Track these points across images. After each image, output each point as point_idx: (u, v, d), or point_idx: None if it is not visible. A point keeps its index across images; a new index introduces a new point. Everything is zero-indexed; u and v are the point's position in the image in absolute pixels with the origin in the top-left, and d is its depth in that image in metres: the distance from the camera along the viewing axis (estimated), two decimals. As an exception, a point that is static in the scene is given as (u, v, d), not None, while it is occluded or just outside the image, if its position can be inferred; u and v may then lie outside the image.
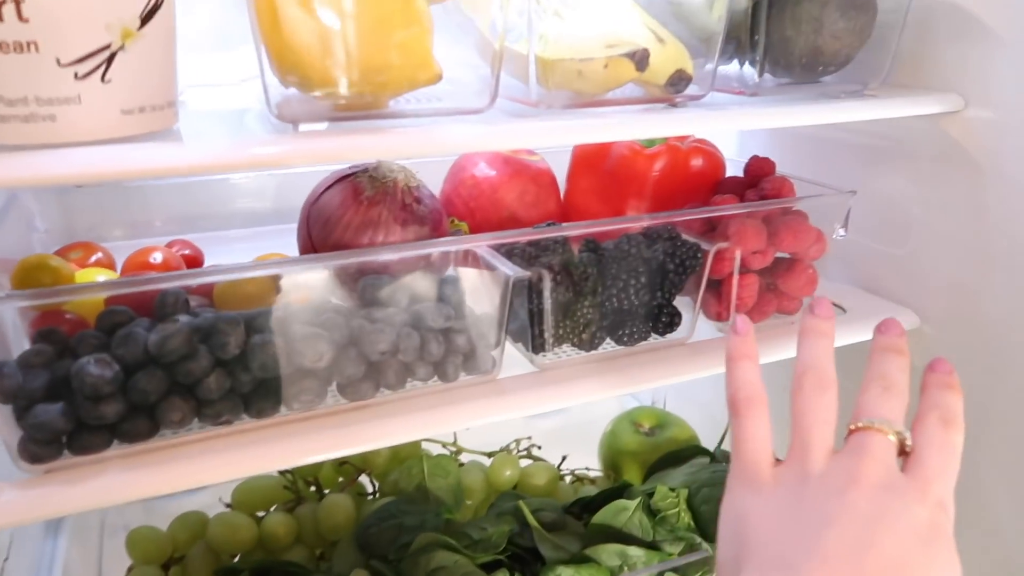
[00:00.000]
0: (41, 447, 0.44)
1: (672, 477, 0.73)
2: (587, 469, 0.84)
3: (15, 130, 0.40)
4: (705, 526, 0.66)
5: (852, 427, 0.39)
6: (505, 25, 0.49)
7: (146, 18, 0.42)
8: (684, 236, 0.58)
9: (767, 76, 0.62)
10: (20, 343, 0.47)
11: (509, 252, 0.55)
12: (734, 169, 0.72)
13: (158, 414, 0.46)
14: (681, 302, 0.61)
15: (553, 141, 0.52)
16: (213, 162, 0.43)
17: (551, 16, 0.53)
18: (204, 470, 0.47)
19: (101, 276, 0.57)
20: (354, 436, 0.49)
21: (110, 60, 0.41)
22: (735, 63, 0.62)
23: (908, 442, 0.38)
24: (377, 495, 0.76)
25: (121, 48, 0.41)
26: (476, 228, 0.69)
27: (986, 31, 0.58)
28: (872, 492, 0.36)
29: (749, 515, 0.38)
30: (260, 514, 0.72)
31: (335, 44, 0.45)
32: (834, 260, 0.64)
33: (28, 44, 0.39)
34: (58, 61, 0.40)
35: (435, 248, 0.55)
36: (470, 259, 0.57)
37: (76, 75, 0.40)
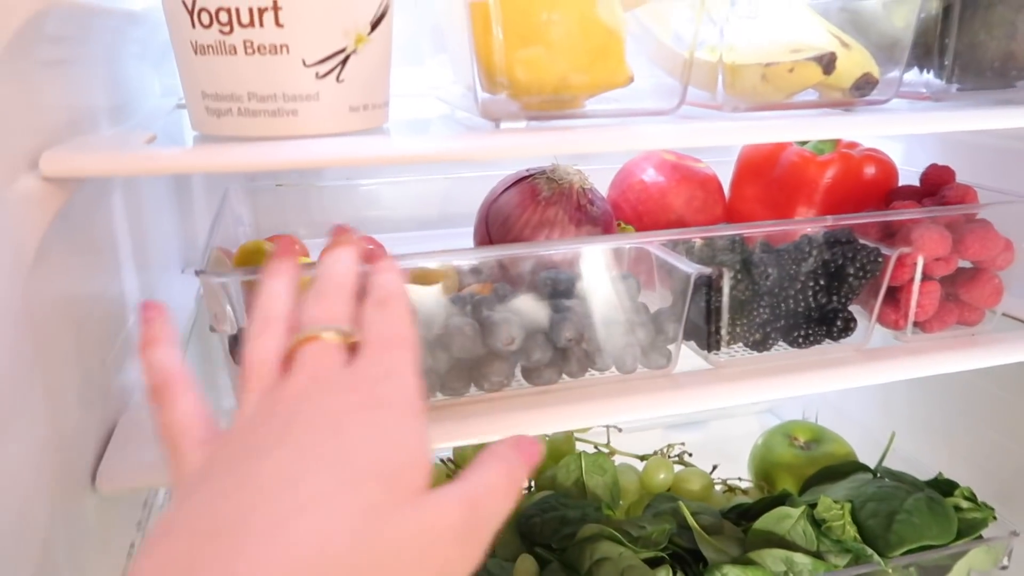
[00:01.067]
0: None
1: (833, 491, 0.71)
2: (739, 479, 0.84)
3: (263, 123, 0.45)
4: (873, 540, 0.64)
5: (287, 351, 0.33)
6: (696, 34, 0.50)
7: (375, 24, 0.47)
8: (863, 241, 0.58)
9: (952, 83, 0.61)
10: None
11: (685, 252, 0.56)
12: (907, 179, 0.70)
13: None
14: (855, 310, 0.60)
15: (734, 140, 0.53)
16: (429, 153, 0.47)
17: (738, 22, 0.54)
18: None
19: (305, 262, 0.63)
20: (539, 418, 0.51)
21: (344, 61, 0.46)
22: (915, 70, 0.61)
23: (355, 338, 0.33)
24: (534, 489, 0.78)
25: (354, 51, 0.46)
26: (643, 232, 0.71)
27: None
28: (298, 391, 0.30)
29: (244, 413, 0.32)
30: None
31: (540, 52, 0.48)
32: (1021, 272, 0.61)
33: (281, 47, 0.44)
34: (304, 62, 0.44)
35: (615, 243, 0.57)
36: (645, 257, 0.59)
37: (317, 75, 0.45)
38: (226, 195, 0.68)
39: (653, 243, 0.57)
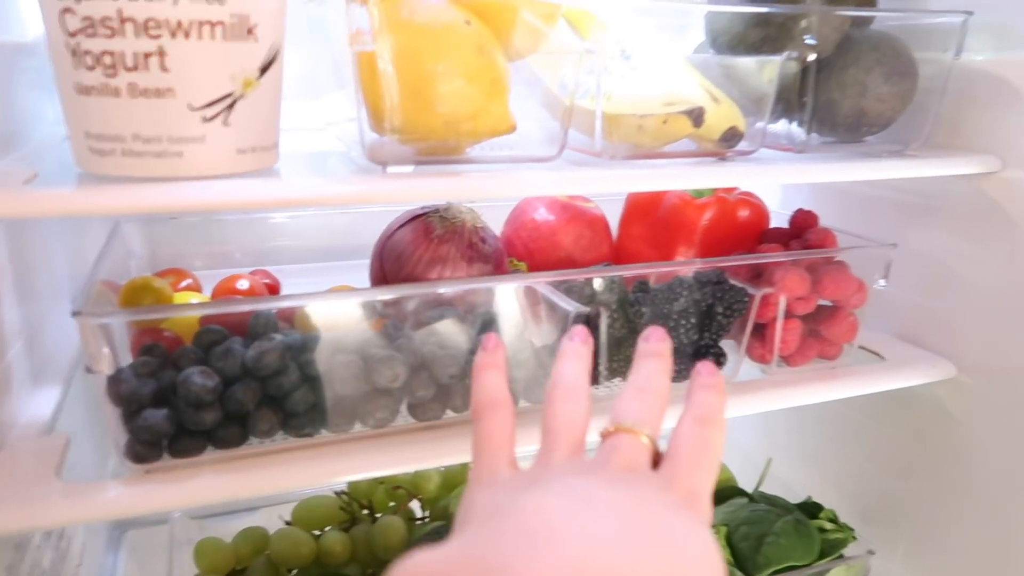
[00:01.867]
0: (146, 448, 0.49)
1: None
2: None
3: (147, 164, 0.46)
4: (744, 561, 0.68)
5: (602, 432, 0.36)
6: (576, 83, 0.54)
7: (264, 68, 0.48)
8: (732, 281, 0.62)
9: (814, 135, 0.66)
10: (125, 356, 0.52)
11: (568, 290, 0.59)
12: (778, 221, 0.76)
13: (250, 423, 0.51)
14: (727, 344, 0.64)
15: (614, 188, 0.57)
16: (316, 197, 0.48)
17: (617, 76, 0.58)
18: (286, 477, 0.51)
19: (194, 298, 0.63)
20: (424, 453, 0.53)
21: (232, 105, 0.47)
22: (783, 122, 0.66)
23: (662, 450, 0.35)
24: (427, 520, 0.80)
25: (242, 96, 0.47)
26: (534, 268, 0.73)
27: (1022, 97, 0.62)
28: (610, 474, 0.32)
29: (475, 499, 0.35)
30: (316, 533, 0.76)
31: (427, 100, 0.51)
32: (875, 310, 0.67)
33: (166, 90, 0.45)
34: (190, 106, 0.45)
35: (499, 283, 0.59)
36: (532, 295, 0.61)
37: (204, 118, 0.46)
38: (116, 228, 0.68)
39: (540, 282, 0.60)
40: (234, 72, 0.46)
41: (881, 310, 0.76)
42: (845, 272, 0.65)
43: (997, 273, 0.66)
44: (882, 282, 0.65)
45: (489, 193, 0.52)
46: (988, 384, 0.67)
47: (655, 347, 0.41)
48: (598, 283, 0.59)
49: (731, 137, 0.60)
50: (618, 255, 0.77)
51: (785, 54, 0.59)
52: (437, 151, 0.53)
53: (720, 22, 0.65)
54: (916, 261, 0.72)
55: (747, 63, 0.62)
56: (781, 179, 0.60)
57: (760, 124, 0.61)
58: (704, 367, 0.40)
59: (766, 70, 0.60)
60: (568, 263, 0.73)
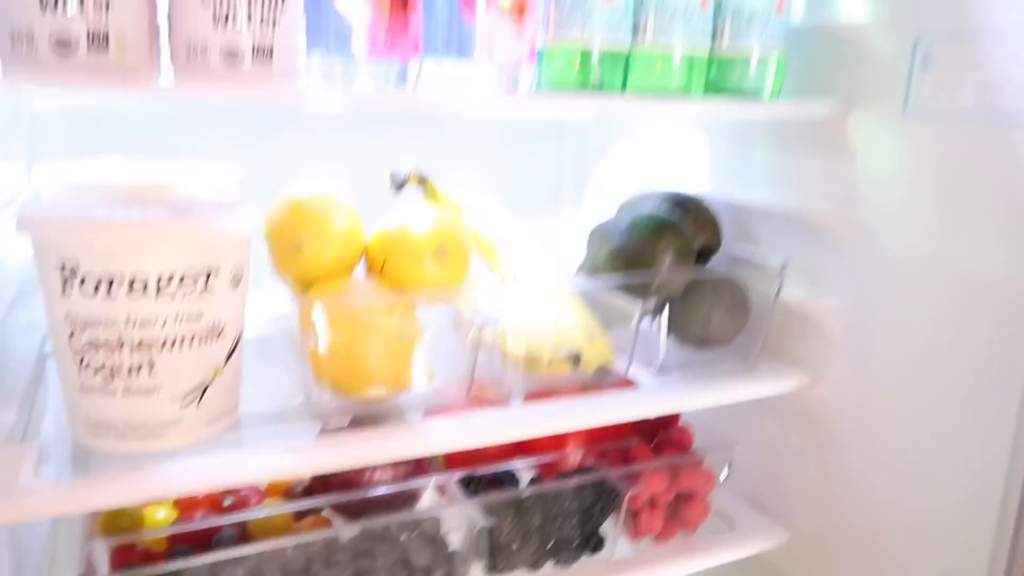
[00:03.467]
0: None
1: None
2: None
3: (134, 444, 0.58)
4: None
5: None
6: (479, 330, 0.68)
7: (229, 356, 0.61)
8: (606, 476, 0.77)
9: (673, 350, 0.83)
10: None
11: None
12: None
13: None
14: (609, 528, 0.79)
15: (515, 434, 0.71)
16: (278, 473, 0.61)
17: (511, 331, 0.73)
18: None
19: (161, 512, 0.73)
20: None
21: (204, 391, 0.59)
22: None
23: None
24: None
25: (211, 382, 0.59)
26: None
27: (821, 331, 0.80)
28: None
29: None
30: None
31: (356, 365, 0.64)
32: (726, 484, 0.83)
33: (153, 389, 0.57)
34: (171, 399, 0.57)
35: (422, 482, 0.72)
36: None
37: (181, 405, 0.58)
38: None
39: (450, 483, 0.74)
40: (206, 366, 0.59)
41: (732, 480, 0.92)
42: (699, 467, 0.81)
43: (811, 462, 0.83)
44: (726, 472, 0.82)
45: (404, 453, 0.65)
46: (816, 544, 0.84)
47: None
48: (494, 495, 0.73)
49: (603, 372, 0.75)
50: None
51: (641, 306, 0.75)
52: (366, 407, 0.66)
53: (595, 265, 0.81)
54: (755, 451, 0.89)
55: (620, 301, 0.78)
56: (638, 413, 0.75)
57: (627, 354, 0.77)
58: None
59: (632, 308, 0.77)
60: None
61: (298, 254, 0.66)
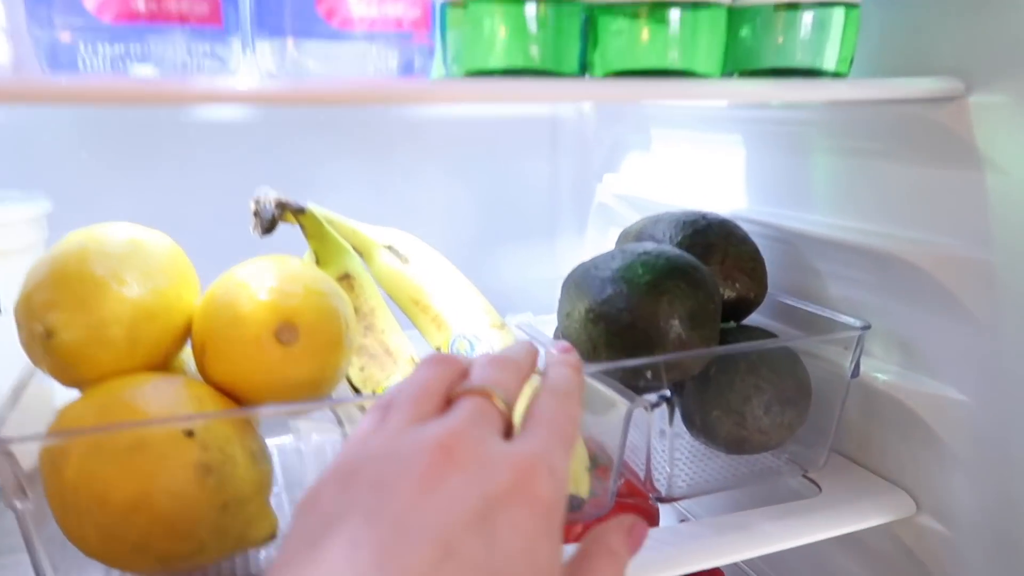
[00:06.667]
0: None
1: None
2: None
3: None
4: None
5: (450, 394, 0.31)
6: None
7: None
8: None
9: (693, 459, 0.55)
10: None
11: None
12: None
13: None
14: None
15: None
16: None
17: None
18: None
19: None
20: None
21: None
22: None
23: (515, 418, 0.31)
24: None
25: None
26: None
27: (929, 433, 0.51)
28: (449, 434, 0.27)
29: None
30: None
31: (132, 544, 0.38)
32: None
33: None
34: None
35: None
36: None
37: None
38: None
39: None
40: None
41: None
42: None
43: None
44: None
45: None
46: None
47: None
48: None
49: (574, 503, 0.48)
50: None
51: (627, 407, 0.47)
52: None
53: (567, 329, 0.54)
54: None
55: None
56: None
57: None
58: (560, 346, 0.37)
59: (611, 414, 0.49)
60: None
61: (47, 340, 0.41)
